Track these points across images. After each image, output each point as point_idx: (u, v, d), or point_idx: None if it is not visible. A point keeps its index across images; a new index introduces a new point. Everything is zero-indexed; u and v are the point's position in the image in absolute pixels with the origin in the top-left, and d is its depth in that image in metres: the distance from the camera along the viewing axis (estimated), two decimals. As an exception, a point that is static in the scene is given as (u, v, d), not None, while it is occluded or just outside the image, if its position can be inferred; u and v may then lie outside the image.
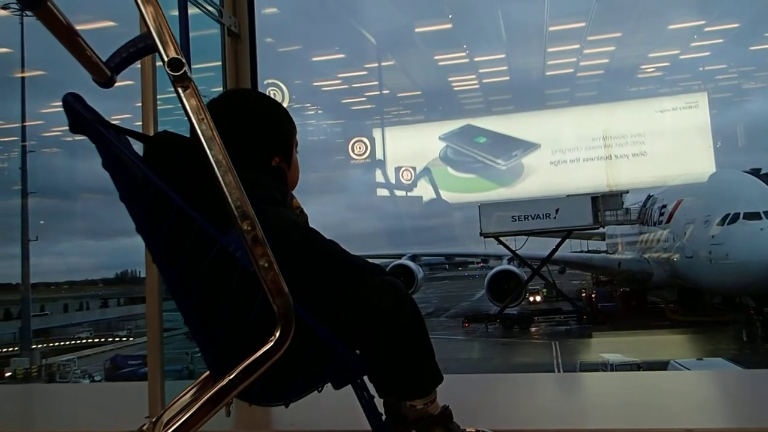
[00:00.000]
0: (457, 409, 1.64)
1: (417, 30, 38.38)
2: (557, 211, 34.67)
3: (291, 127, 1.79)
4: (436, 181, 38.01)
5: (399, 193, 38.60)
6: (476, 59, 39.05)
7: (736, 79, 39.92)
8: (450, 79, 41.17)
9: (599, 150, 36.82)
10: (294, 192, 1.82)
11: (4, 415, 3.14)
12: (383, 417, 1.59)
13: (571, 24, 35.69)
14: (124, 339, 43.86)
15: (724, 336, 28.97)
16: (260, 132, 1.70)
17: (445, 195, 38.25)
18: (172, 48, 1.23)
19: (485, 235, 36.39)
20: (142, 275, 2.55)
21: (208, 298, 1.45)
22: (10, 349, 36.93)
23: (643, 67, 39.72)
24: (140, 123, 2.43)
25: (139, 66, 2.40)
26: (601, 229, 40.34)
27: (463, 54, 38.94)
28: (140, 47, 1.33)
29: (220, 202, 1.25)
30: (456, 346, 30.12)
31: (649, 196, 37.21)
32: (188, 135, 1.46)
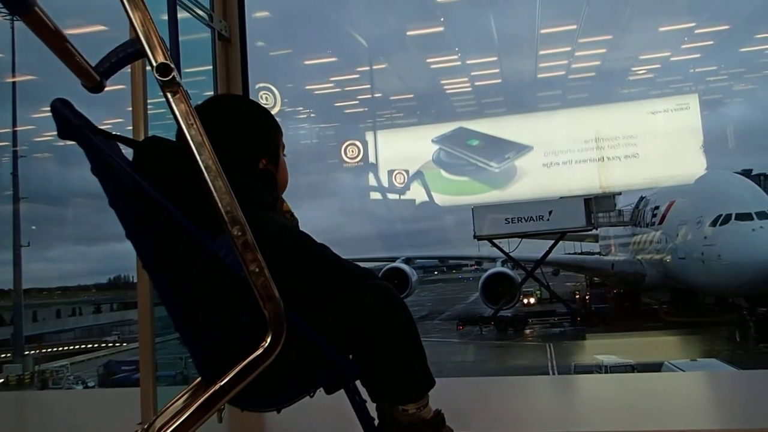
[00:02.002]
0: (450, 413, 1.64)
1: (409, 33, 38.38)
2: (550, 213, 34.75)
3: (275, 128, 1.80)
4: (430, 183, 38.00)
5: (392, 196, 38.59)
6: (468, 62, 39.08)
7: (726, 80, 40.17)
8: (442, 82, 41.19)
9: (592, 152, 36.91)
10: (286, 196, 1.82)
11: (-4, 423, 3.12)
12: (376, 422, 1.59)
13: (562, 27, 35.77)
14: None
15: (718, 337, 29.08)
16: (245, 135, 1.70)
17: (439, 198, 38.24)
18: (160, 53, 1.22)
19: (479, 238, 36.46)
20: (135, 280, 2.55)
21: (198, 304, 1.44)
22: (3, 355, 36.71)
23: (634, 69, 39.89)
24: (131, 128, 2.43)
25: (129, 71, 2.40)
26: (594, 231, 40.44)
27: (455, 57, 38.98)
28: (129, 52, 1.33)
29: (210, 207, 1.24)
30: (450, 349, 30.14)
31: (642, 198, 37.35)
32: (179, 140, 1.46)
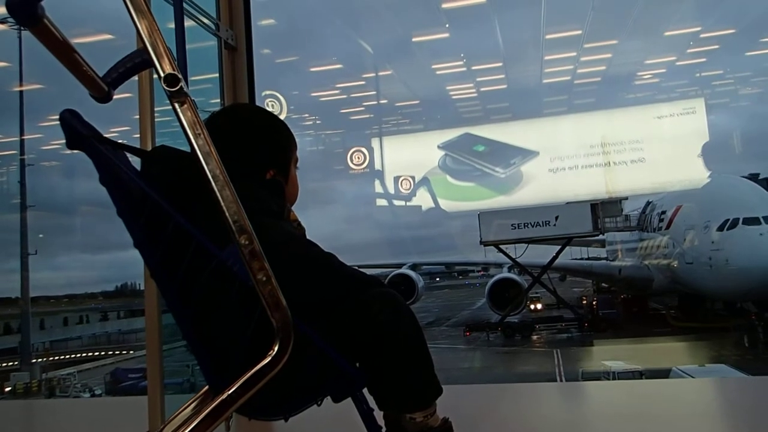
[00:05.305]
0: (458, 421, 1.64)
1: (414, 39, 38.43)
2: (557, 218, 34.65)
3: (287, 140, 1.79)
4: (436, 190, 37.95)
5: (398, 202, 38.55)
6: (474, 68, 39.09)
7: (733, 84, 40.05)
8: (448, 87, 41.23)
9: (598, 157, 36.81)
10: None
11: (4, 432, 3.13)
12: (383, 430, 1.58)
13: (567, 32, 35.71)
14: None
15: (726, 342, 28.90)
16: (254, 144, 1.70)
17: (445, 204, 38.18)
18: (167, 63, 1.23)
19: (485, 244, 36.37)
20: (142, 288, 2.55)
21: (206, 313, 1.44)
22: (10, 363, 36.76)
23: (639, 73, 39.80)
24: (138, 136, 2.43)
25: (137, 79, 2.41)
26: (600, 236, 40.32)
27: (461, 63, 38.99)
28: (137, 62, 1.33)
29: (217, 216, 1.25)
30: (457, 356, 30.06)
31: (648, 203, 37.22)
32: (185, 148, 1.46)
